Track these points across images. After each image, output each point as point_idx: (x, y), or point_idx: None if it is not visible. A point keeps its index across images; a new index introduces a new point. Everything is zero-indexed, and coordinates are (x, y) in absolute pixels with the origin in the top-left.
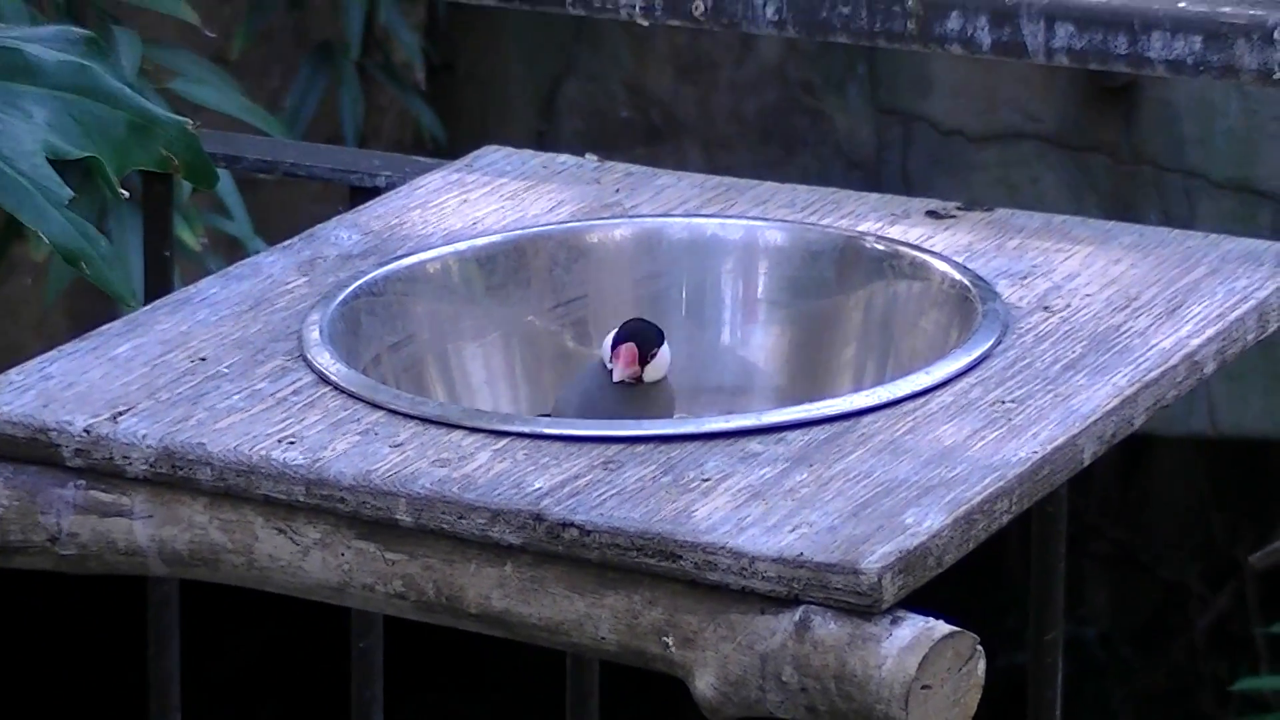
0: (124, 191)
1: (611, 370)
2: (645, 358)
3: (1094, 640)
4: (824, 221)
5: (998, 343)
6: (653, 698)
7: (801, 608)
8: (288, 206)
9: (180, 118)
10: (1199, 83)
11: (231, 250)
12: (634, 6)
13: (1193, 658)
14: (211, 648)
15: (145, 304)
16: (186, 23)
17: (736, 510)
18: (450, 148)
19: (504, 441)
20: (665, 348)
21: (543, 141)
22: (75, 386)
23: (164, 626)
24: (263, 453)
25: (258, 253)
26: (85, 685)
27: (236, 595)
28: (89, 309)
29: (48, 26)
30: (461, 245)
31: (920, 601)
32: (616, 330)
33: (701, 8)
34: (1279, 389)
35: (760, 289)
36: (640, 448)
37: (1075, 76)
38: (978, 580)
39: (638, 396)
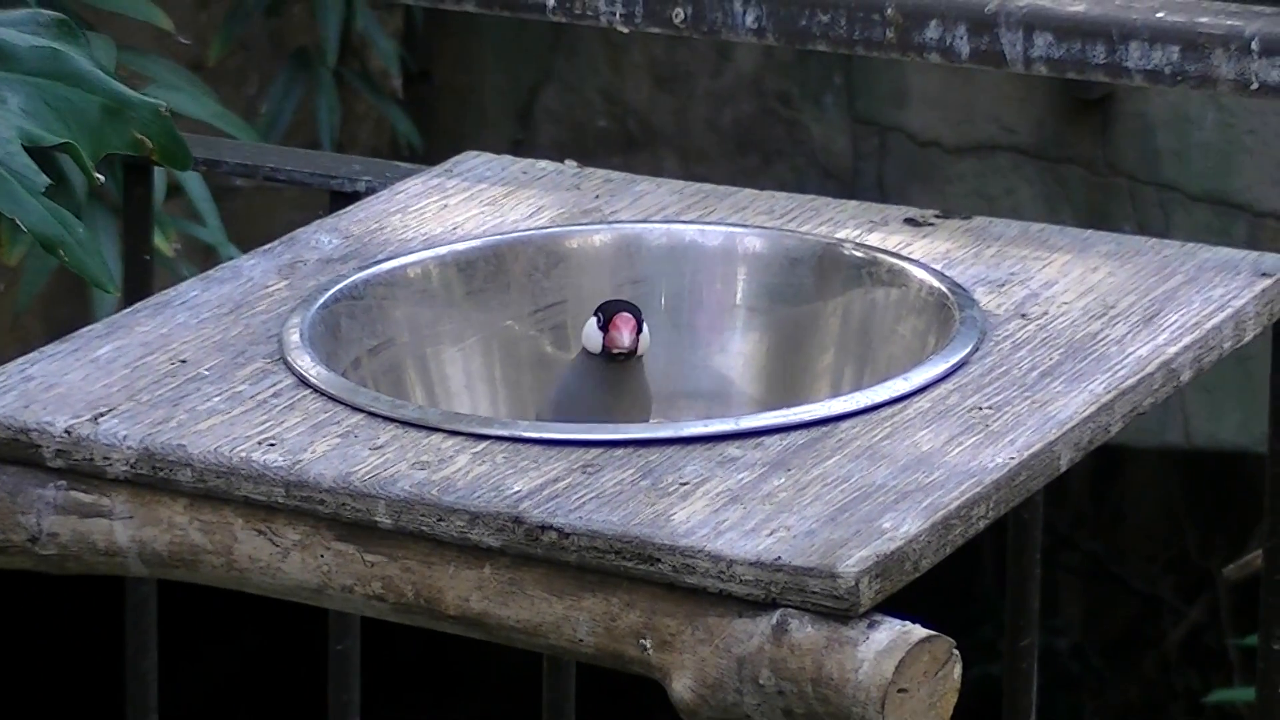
0: (99, 176)
1: (605, 347)
2: (639, 327)
3: (1067, 652)
4: (803, 228)
5: (975, 349)
6: (628, 703)
7: (779, 611)
8: (262, 216)
9: (153, 100)
10: (1175, 95)
11: (205, 257)
12: (614, 13)
13: (1165, 670)
14: (188, 659)
15: (125, 307)
16: (162, 30)
17: (715, 514)
18: (427, 156)
19: (483, 445)
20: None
21: (519, 150)
22: (56, 388)
23: (142, 627)
24: (243, 454)
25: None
26: (63, 687)
27: (213, 607)
28: (64, 315)
29: (18, 10)
30: (441, 250)
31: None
32: (597, 311)
33: (682, 15)
34: (1253, 401)
35: (739, 295)
36: (619, 451)
37: (1051, 89)
38: (951, 594)
39: (624, 379)
